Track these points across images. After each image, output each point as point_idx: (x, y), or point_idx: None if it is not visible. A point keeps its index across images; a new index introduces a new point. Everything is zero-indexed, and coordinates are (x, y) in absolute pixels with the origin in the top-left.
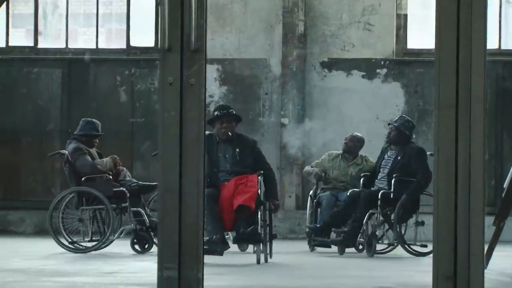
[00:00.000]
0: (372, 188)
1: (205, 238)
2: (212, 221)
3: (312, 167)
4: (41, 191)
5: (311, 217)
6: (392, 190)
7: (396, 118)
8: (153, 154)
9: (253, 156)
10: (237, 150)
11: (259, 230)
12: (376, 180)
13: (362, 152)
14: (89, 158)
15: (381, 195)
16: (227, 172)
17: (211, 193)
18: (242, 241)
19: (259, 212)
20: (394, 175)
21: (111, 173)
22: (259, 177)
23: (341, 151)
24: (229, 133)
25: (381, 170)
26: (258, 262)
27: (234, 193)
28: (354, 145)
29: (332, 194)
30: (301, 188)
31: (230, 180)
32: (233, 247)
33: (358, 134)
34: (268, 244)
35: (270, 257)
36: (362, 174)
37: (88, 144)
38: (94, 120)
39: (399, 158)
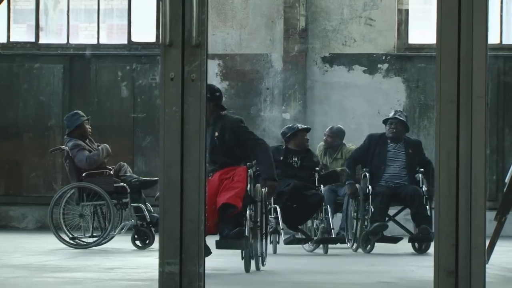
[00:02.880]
0: (381, 183)
1: None
2: None
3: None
4: (43, 187)
5: None
6: (422, 185)
7: (394, 113)
8: None
9: (238, 137)
10: (216, 134)
11: (247, 233)
12: (389, 175)
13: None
14: (86, 152)
15: (417, 191)
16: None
17: None
18: (226, 246)
19: (247, 212)
20: (420, 170)
21: (111, 168)
22: (250, 170)
23: (323, 145)
24: None
25: (391, 164)
26: (247, 270)
27: (218, 190)
28: (333, 139)
29: (332, 190)
30: None
31: (214, 174)
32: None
33: (336, 126)
34: (260, 249)
35: (263, 264)
36: (364, 171)
37: (83, 137)
38: (74, 111)
39: (410, 151)
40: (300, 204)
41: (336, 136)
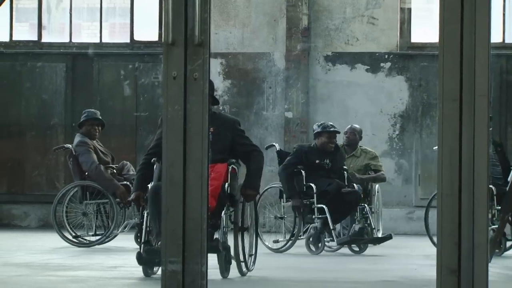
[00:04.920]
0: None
1: (147, 246)
2: (159, 222)
3: None
4: (45, 185)
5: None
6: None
7: None
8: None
9: (234, 139)
10: (211, 129)
11: (218, 235)
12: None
13: (365, 145)
14: (94, 156)
15: None
16: None
17: (160, 188)
18: None
19: (222, 212)
20: None
21: (114, 167)
22: (230, 167)
23: (342, 143)
24: None
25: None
26: (223, 275)
27: None
28: (355, 137)
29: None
30: None
31: None
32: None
33: (357, 125)
34: (244, 253)
35: (248, 269)
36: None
37: (90, 136)
38: (94, 110)
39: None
40: (338, 202)
41: (357, 134)
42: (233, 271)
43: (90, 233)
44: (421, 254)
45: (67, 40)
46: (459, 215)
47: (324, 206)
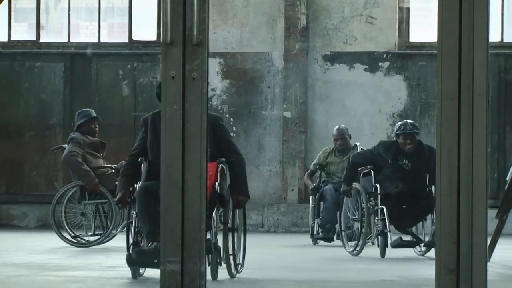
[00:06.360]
0: None
1: (137, 248)
2: (149, 223)
3: (311, 169)
4: (44, 185)
5: (313, 210)
6: None
7: None
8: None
9: (216, 136)
10: None
11: (211, 236)
12: None
13: (364, 145)
14: (78, 149)
15: None
16: None
17: (149, 187)
18: None
19: (214, 212)
20: None
21: (113, 167)
22: (220, 166)
23: (334, 148)
24: None
25: None
26: (213, 277)
27: None
28: (346, 140)
29: (336, 189)
30: (304, 182)
31: None
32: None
33: (342, 126)
34: (234, 254)
35: (238, 270)
36: None
37: (90, 133)
38: (87, 109)
39: None
40: (410, 206)
41: (346, 135)
42: (223, 272)
43: (89, 233)
44: (420, 254)
45: (65, 40)
46: (458, 214)
47: (383, 208)
